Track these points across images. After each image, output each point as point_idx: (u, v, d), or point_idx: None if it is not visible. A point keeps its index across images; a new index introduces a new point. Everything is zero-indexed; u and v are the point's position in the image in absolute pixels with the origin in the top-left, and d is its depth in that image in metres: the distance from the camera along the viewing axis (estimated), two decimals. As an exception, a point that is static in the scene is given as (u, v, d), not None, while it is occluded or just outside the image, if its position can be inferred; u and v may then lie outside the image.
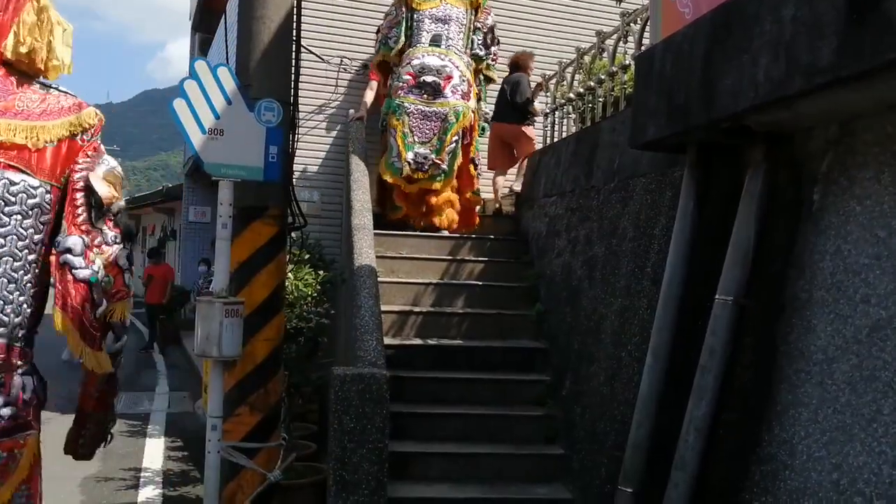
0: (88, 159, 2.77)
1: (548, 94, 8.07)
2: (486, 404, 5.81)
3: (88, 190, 2.73)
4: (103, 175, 2.79)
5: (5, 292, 2.58)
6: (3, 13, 2.67)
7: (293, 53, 4.83)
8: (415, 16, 7.79)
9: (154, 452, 7.20)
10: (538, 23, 9.31)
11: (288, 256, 5.28)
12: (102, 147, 2.91)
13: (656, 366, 4.18)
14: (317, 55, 8.33)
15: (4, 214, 2.55)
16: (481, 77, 7.98)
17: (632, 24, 6.29)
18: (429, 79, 7.48)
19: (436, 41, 7.67)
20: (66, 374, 10.91)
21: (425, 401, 5.74)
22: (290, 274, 5.95)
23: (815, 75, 2.88)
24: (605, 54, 6.75)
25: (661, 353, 4.18)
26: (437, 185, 7.49)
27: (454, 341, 6.31)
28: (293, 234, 5.62)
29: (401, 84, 7.57)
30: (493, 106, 8.28)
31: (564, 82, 7.65)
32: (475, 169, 7.88)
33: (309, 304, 6.30)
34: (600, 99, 6.60)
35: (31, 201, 2.61)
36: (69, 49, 2.87)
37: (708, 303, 3.84)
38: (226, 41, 5.48)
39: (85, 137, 2.79)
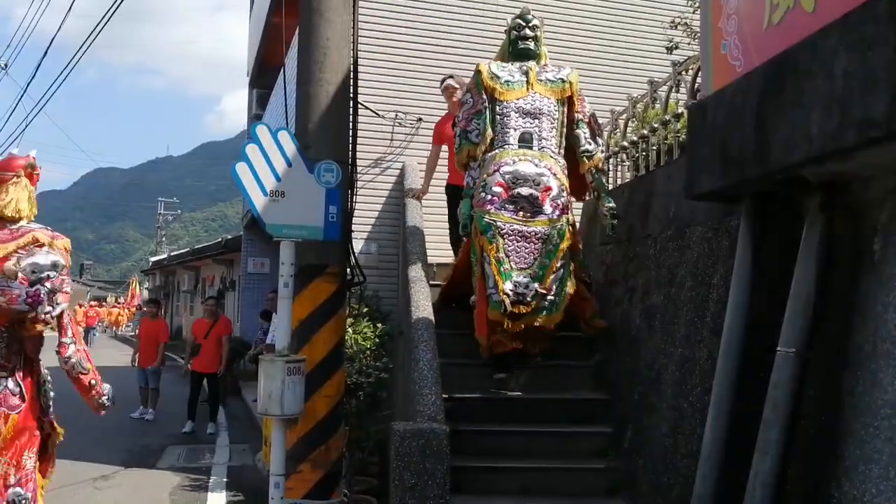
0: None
1: (602, 141, 8.06)
2: (546, 457, 5.75)
3: None
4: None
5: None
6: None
7: (350, 114, 4.96)
8: (497, 108, 6.47)
9: (216, 507, 7.28)
10: (590, 71, 9.37)
11: (347, 310, 5.35)
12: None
13: (719, 417, 4.14)
14: (372, 110, 8.50)
15: None
16: (592, 171, 6.59)
17: (683, 74, 6.31)
18: (525, 191, 6.09)
19: (526, 140, 6.36)
20: (131, 430, 11.15)
21: (484, 454, 5.71)
22: (348, 328, 6.01)
23: (869, 129, 2.88)
24: (657, 103, 6.77)
25: (723, 405, 4.14)
26: (542, 320, 6.05)
27: (513, 393, 6.29)
28: (351, 289, 5.69)
29: (490, 197, 6.16)
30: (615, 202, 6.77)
31: (618, 130, 7.68)
32: (589, 290, 6.63)
33: (368, 358, 6.35)
34: (654, 147, 6.61)
35: None
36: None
37: (769, 353, 3.81)
38: (285, 105, 5.64)
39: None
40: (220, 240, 23.43)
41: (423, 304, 6.28)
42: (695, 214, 5.41)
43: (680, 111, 6.13)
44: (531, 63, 6.61)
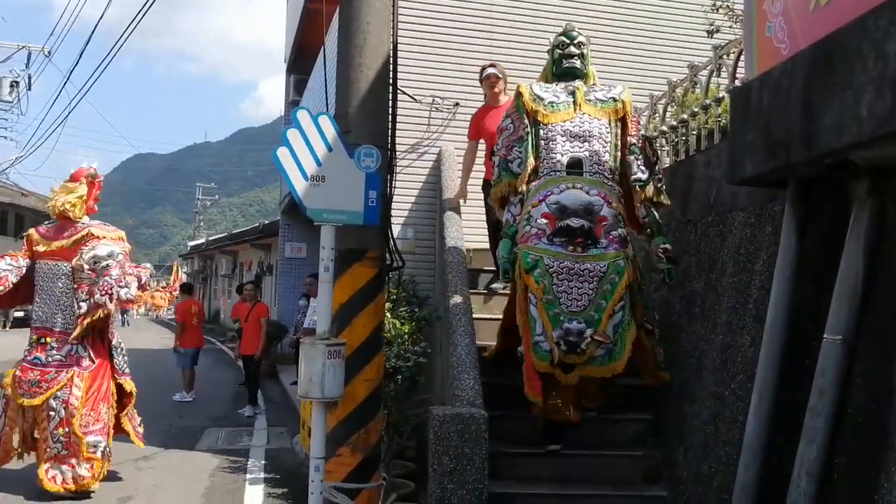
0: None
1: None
2: (585, 444, 5.72)
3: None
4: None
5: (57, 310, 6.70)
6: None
7: (390, 99, 4.95)
8: (541, 132, 5.74)
9: (255, 489, 7.31)
10: (629, 55, 9.28)
11: (386, 294, 5.36)
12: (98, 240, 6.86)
13: (762, 405, 4.09)
14: (409, 95, 8.49)
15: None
16: (648, 206, 5.75)
17: (724, 57, 6.22)
18: (575, 223, 5.38)
19: (575, 167, 5.61)
20: (170, 412, 11.31)
21: (522, 440, 5.70)
22: (387, 312, 6.02)
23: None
24: (697, 87, 6.68)
25: (766, 393, 4.10)
26: (598, 371, 5.33)
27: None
28: (389, 274, 5.69)
29: (534, 230, 5.47)
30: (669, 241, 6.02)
31: (656, 115, 7.59)
32: (650, 337, 5.63)
33: (406, 343, 6.37)
34: (694, 132, 6.53)
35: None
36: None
37: (815, 341, 3.76)
38: (325, 89, 5.65)
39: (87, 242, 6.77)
40: (257, 224, 23.65)
41: (460, 289, 6.29)
42: (736, 199, 5.35)
43: (721, 95, 6.04)
44: (578, 82, 5.93)
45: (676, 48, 9.27)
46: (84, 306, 6.59)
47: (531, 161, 5.69)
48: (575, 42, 6.02)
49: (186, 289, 15.01)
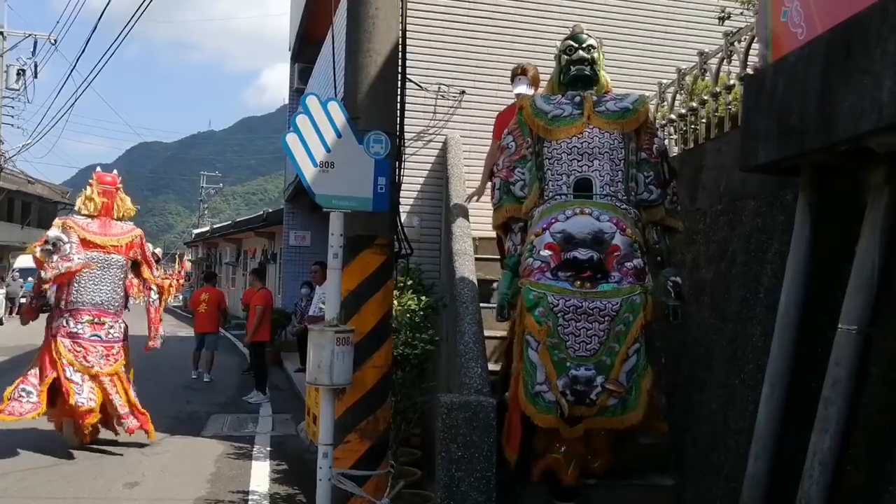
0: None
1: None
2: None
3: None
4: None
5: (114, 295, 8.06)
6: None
7: (398, 85, 4.91)
8: (545, 149, 5.12)
9: (260, 475, 7.33)
10: (637, 41, 9.22)
11: (395, 282, 5.32)
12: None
13: (774, 395, 4.07)
14: (416, 83, 8.43)
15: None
16: (655, 231, 5.24)
17: (735, 44, 6.16)
18: (582, 254, 4.77)
19: (583, 188, 4.98)
20: (177, 398, 11.31)
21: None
22: (394, 300, 5.99)
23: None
24: (707, 74, 6.62)
25: (778, 382, 4.07)
26: (613, 424, 4.78)
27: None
28: (398, 260, 5.66)
29: (537, 264, 4.87)
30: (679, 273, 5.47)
31: (665, 103, 7.54)
32: (657, 383, 5.05)
33: (413, 330, 6.35)
34: (703, 120, 6.47)
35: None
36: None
37: (829, 331, 3.73)
38: (334, 75, 5.60)
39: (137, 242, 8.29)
40: (261, 213, 23.63)
41: (467, 277, 6.26)
42: (747, 188, 5.30)
43: (732, 83, 5.97)
44: (588, 91, 5.28)
45: (686, 35, 9.21)
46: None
47: (536, 185, 5.11)
48: (584, 46, 5.33)
49: (208, 277, 15.49)
